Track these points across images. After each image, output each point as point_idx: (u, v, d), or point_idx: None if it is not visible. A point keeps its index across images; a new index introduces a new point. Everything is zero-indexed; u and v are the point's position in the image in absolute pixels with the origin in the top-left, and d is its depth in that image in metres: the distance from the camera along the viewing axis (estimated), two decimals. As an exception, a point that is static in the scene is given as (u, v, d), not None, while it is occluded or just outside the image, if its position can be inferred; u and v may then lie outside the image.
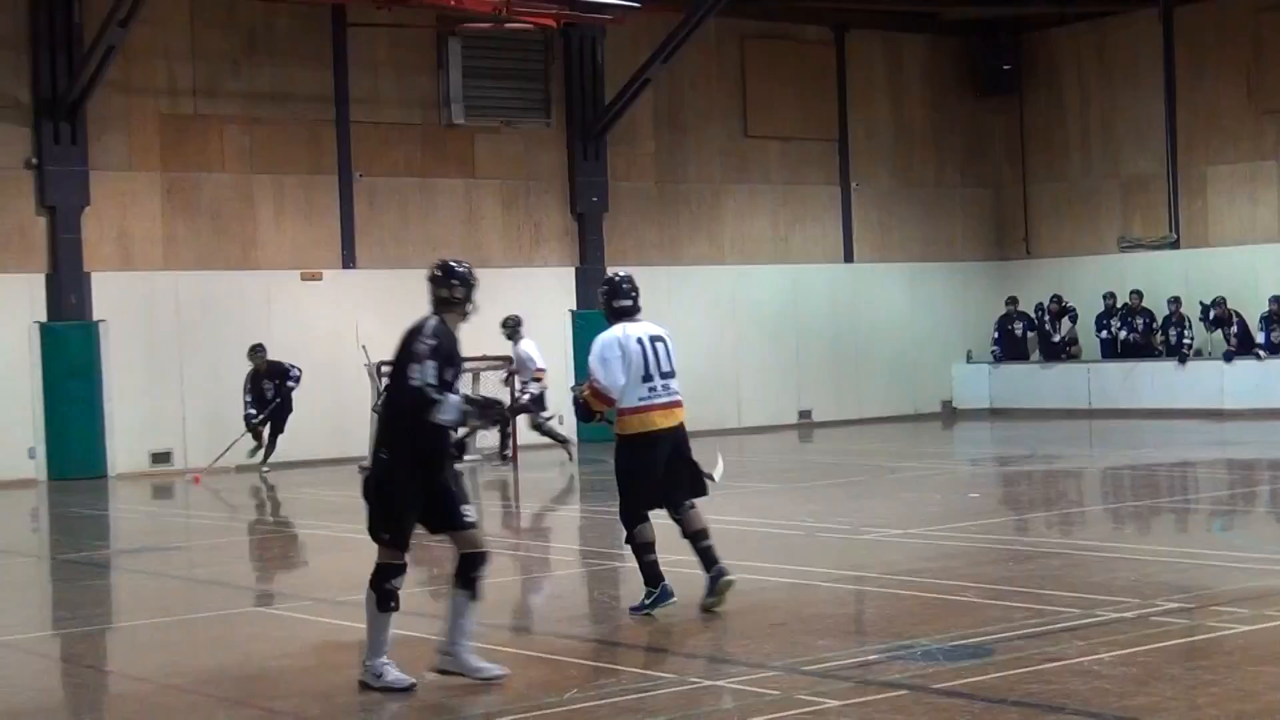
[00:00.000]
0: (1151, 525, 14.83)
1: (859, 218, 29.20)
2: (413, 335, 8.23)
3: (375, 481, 8.32)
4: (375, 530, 8.37)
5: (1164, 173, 28.49)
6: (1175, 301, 27.36)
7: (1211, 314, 26.84)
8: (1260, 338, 26.30)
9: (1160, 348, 27.63)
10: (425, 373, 8.06)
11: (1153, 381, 27.33)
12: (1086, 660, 8.40)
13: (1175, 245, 28.28)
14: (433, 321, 8.29)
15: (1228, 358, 26.50)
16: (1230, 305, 26.71)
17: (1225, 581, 10.91)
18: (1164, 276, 28.02)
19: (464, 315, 8.45)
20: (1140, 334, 27.96)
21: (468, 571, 8.35)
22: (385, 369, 21.99)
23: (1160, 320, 27.75)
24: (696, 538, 10.13)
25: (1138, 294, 28.02)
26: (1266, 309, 26.31)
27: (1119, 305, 28.27)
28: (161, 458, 22.45)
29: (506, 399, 21.08)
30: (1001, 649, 8.73)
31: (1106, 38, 29.27)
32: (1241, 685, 7.92)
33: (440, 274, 8.52)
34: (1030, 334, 29.45)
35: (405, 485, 8.22)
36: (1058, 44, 29.93)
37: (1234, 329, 26.60)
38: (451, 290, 8.45)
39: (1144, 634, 9.04)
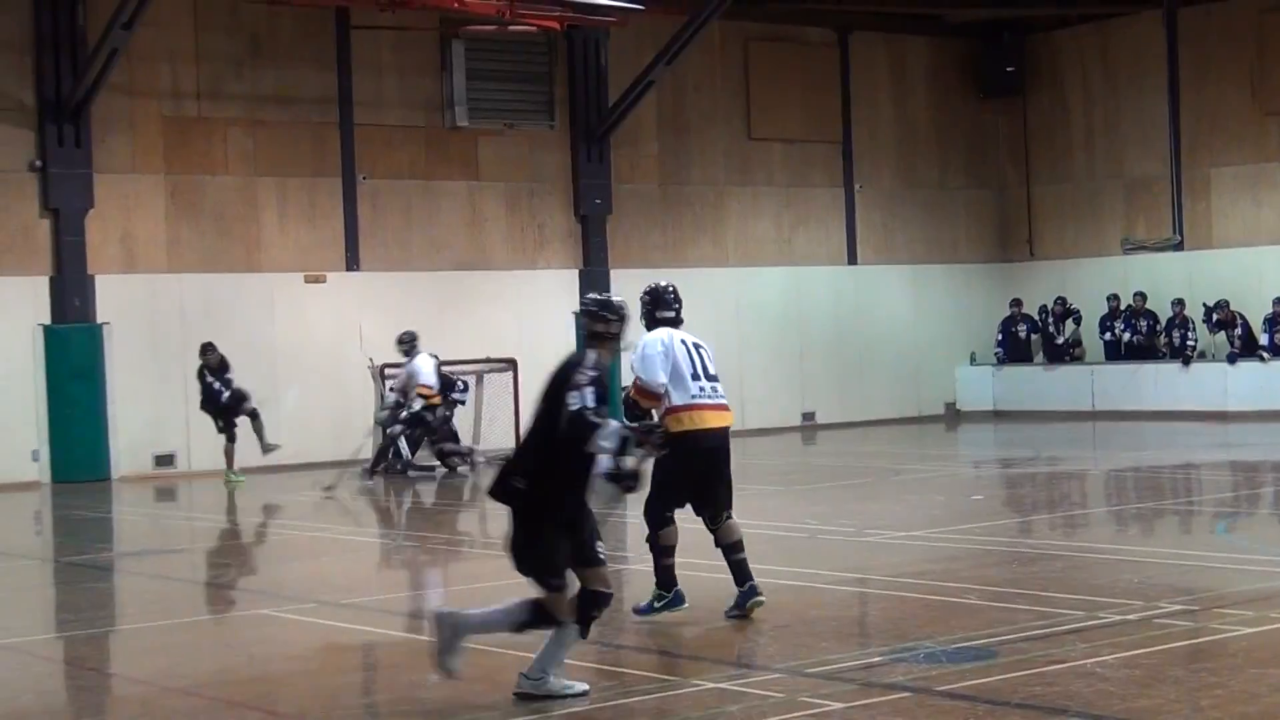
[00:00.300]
0: (1155, 527, 14.82)
1: (862, 219, 29.20)
2: (572, 367, 8.13)
3: (522, 526, 8.06)
4: (543, 578, 8.06)
5: (1167, 174, 28.47)
6: (1179, 304, 27.34)
7: (1215, 316, 26.82)
8: (1264, 340, 26.28)
9: (1164, 350, 27.61)
10: (585, 398, 7.94)
11: (1156, 384, 27.32)
12: (1090, 662, 8.39)
13: (1179, 247, 28.27)
14: (591, 355, 8.22)
15: (1231, 360, 26.49)
16: (1234, 307, 26.69)
17: (1229, 584, 10.90)
18: (1167, 278, 28.01)
19: (616, 351, 8.46)
20: (1144, 336, 27.94)
21: (588, 609, 8.10)
22: (390, 372, 22.12)
23: (1164, 322, 27.74)
24: (731, 550, 10.08)
25: (1141, 296, 28.01)
26: (1270, 311, 26.29)
27: (1122, 307, 28.26)
28: (165, 460, 22.45)
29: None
30: (1005, 651, 8.73)
31: (1110, 39, 29.26)
32: (1245, 687, 7.92)
33: (597, 308, 8.51)
34: (1034, 336, 29.44)
35: (552, 522, 8.02)
36: (1061, 45, 29.93)
37: (1237, 331, 26.59)
38: (608, 325, 8.46)
39: (1147, 636, 9.04)
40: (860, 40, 29.11)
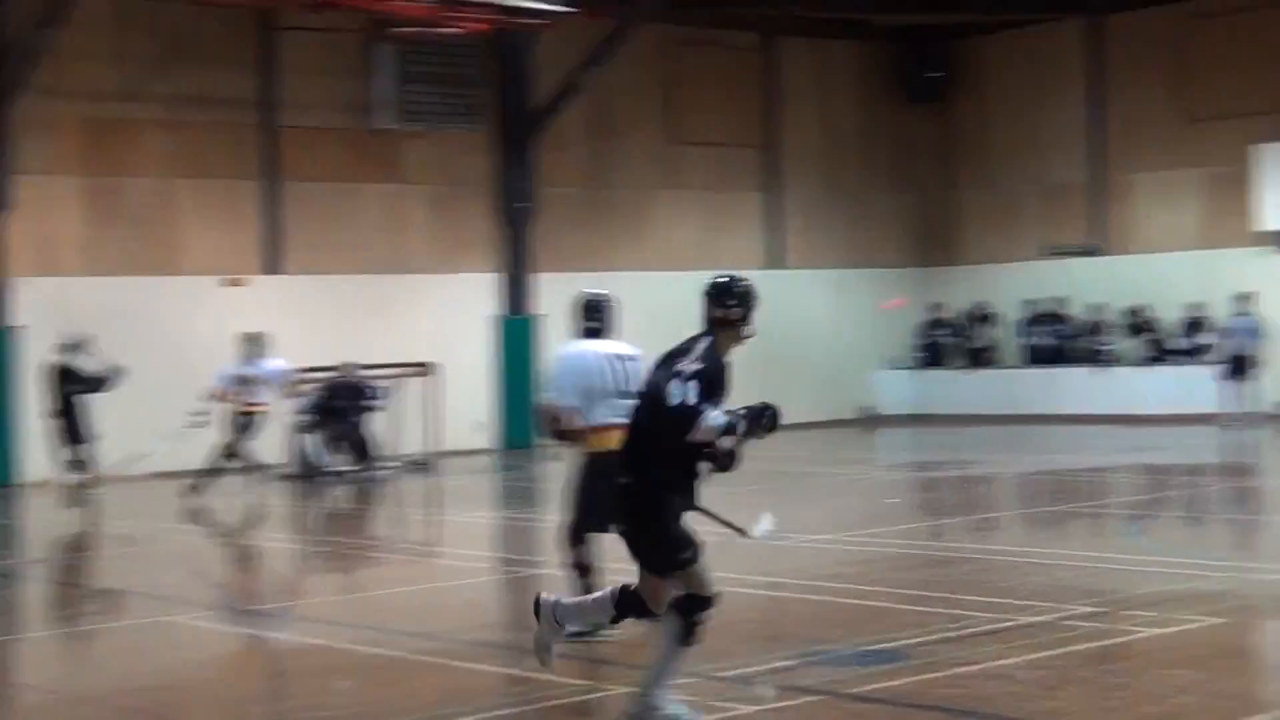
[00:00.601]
0: (1066, 530, 14.94)
1: (786, 224, 29.31)
2: (677, 356, 7.54)
3: (636, 514, 7.57)
4: (668, 562, 7.52)
5: (1088, 180, 28.77)
6: (1097, 308, 27.64)
7: (1132, 321, 27.14)
8: (1180, 344, 26.62)
9: (1081, 354, 27.89)
10: (687, 391, 7.35)
11: (1073, 387, 27.57)
12: (999, 664, 8.46)
13: (1098, 253, 28.55)
14: (703, 344, 7.53)
15: (1147, 364, 26.81)
16: (1150, 312, 27.03)
17: (1136, 586, 11.01)
18: (1086, 283, 28.28)
19: (739, 338, 7.67)
20: (1062, 340, 28.22)
21: (687, 614, 7.54)
22: (319, 375, 21.87)
23: (1082, 327, 28.02)
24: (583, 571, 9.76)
25: (1060, 301, 28.28)
26: (1187, 316, 26.63)
27: (1041, 312, 28.53)
28: (77, 465, 22.15)
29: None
30: (916, 654, 8.78)
31: (1035, 46, 29.49)
32: (1150, 688, 8.03)
33: (714, 292, 7.68)
34: (953, 340, 29.66)
35: (670, 504, 7.58)
36: (986, 52, 30.14)
37: (1154, 335, 26.94)
38: (726, 310, 7.63)
39: (1056, 638, 9.11)
40: (786, 45, 29.21)
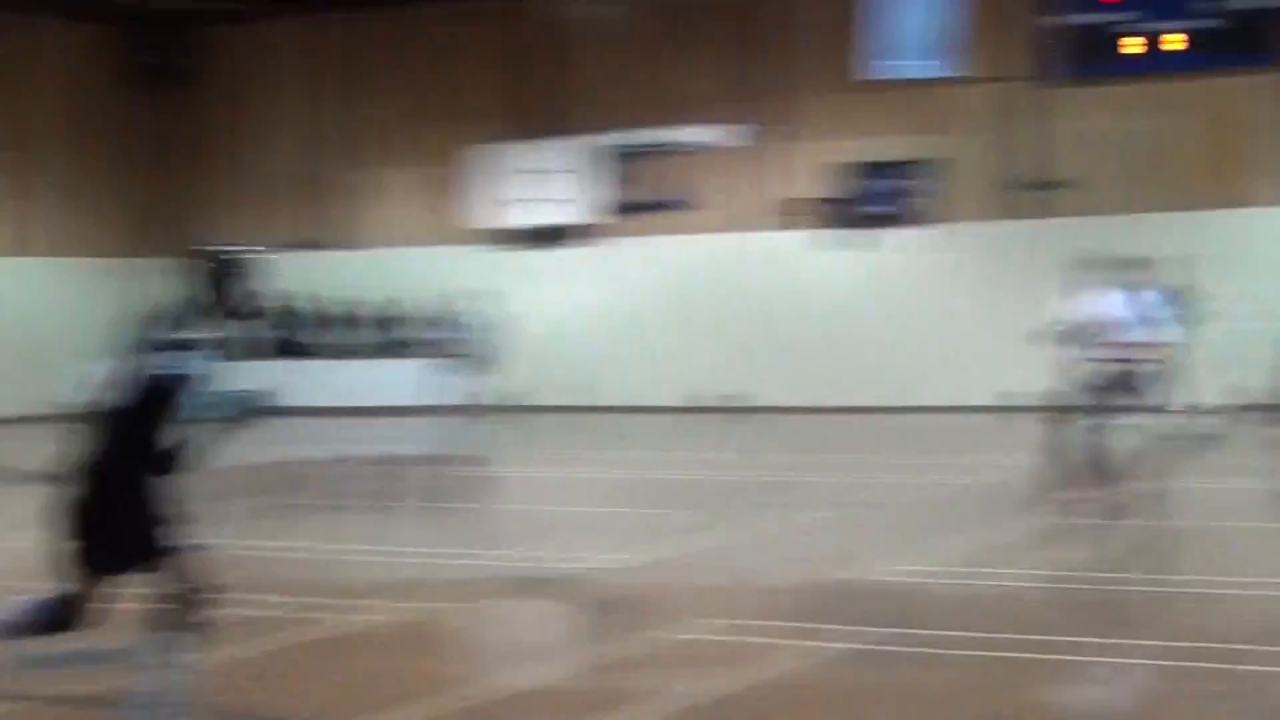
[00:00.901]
0: (296, 521, 15.02)
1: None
2: (145, 329, 6.89)
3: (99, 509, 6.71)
4: (92, 563, 6.75)
5: (326, 175, 29.23)
6: (329, 302, 28.13)
7: (362, 315, 27.85)
8: (410, 337, 27.52)
9: (311, 348, 28.28)
10: (175, 360, 6.76)
11: (307, 380, 27.72)
12: (241, 659, 8.24)
13: (323, 247, 29.02)
14: (185, 317, 7.02)
15: (379, 357, 27.52)
16: (385, 307, 27.80)
17: (364, 574, 11.17)
18: (320, 277, 28.65)
19: (231, 311, 6.89)
20: (293, 334, 28.49)
21: (186, 613, 6.86)
22: None
23: (314, 321, 28.44)
24: None
25: (293, 295, 28.45)
26: (416, 311, 27.54)
27: (274, 306, 28.63)
28: None
29: None
30: (131, 653, 8.41)
31: (281, 39, 29.65)
32: (349, 674, 8.16)
33: (203, 265, 7.09)
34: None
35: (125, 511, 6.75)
36: (232, 42, 30.02)
37: (387, 330, 27.80)
38: (207, 285, 7.25)
39: (284, 629, 9.15)
40: (19, 24, 27.64)
